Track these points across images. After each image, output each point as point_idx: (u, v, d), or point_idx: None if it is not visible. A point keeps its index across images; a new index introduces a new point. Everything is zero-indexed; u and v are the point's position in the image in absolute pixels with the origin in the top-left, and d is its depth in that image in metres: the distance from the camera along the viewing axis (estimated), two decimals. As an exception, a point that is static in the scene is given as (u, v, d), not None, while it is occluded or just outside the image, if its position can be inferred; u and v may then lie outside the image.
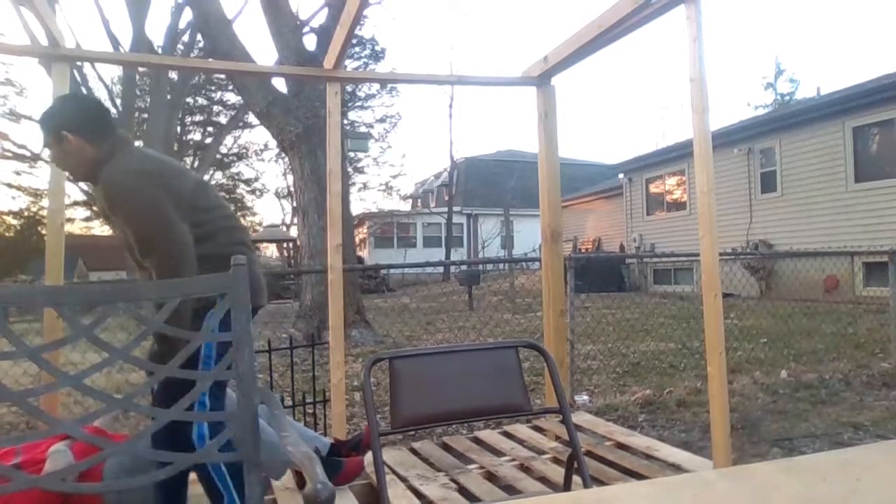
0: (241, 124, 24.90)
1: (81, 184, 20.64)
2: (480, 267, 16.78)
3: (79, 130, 1.99)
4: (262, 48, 71.94)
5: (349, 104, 25.95)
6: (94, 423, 2.08)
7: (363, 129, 27.33)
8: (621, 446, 3.09)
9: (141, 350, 1.74)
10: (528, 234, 20.28)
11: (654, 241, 15.90)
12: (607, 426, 3.46)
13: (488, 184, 28.06)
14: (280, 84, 8.34)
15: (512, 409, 1.78)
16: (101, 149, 2.00)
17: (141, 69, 17.06)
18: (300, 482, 2.65)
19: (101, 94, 18.57)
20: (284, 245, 27.36)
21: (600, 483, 2.52)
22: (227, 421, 1.73)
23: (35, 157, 20.49)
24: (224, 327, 1.51)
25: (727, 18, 60.17)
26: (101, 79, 19.26)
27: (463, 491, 2.60)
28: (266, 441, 1.72)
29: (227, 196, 32.46)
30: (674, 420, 4.03)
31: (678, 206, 15.40)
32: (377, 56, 26.64)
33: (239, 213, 34.43)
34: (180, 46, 18.30)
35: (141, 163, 2.03)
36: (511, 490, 2.62)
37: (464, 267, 16.98)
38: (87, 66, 16.33)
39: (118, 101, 18.87)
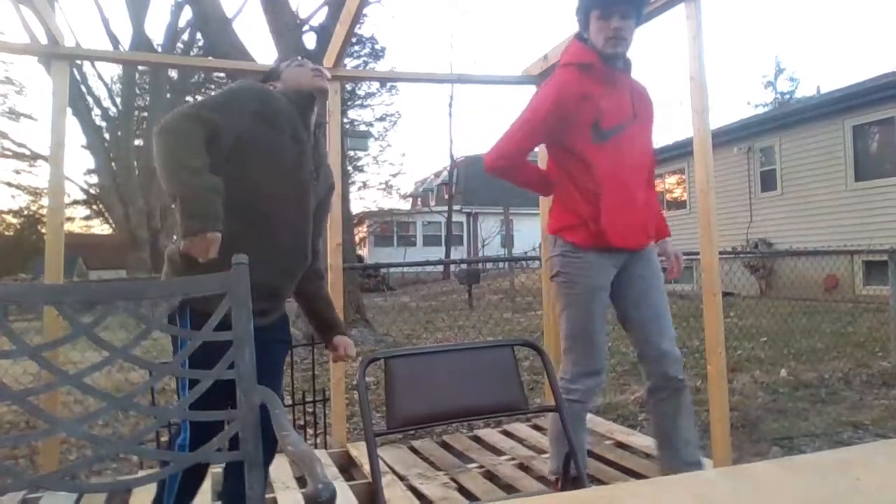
0: (240, 123, 24.80)
1: (80, 182, 20.76)
2: (480, 266, 16.76)
3: None
4: (262, 47, 71.84)
5: (349, 102, 25.87)
6: None
7: (363, 127, 27.26)
8: (621, 446, 3.10)
9: (141, 349, 1.72)
10: (528, 233, 20.26)
11: (654, 240, 15.88)
12: (607, 425, 3.46)
13: (488, 182, 27.83)
14: (280, 83, 8.32)
15: (508, 408, 1.78)
16: None
17: (141, 68, 17.04)
18: (301, 482, 2.66)
19: (101, 94, 18.58)
20: (284, 244, 27.30)
21: (600, 483, 2.52)
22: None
23: (35, 156, 20.48)
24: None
25: (727, 17, 60.06)
26: (100, 77, 19.26)
27: (463, 490, 2.61)
28: None
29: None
30: (674, 419, 4.03)
31: (678, 204, 15.38)
32: (377, 54, 26.56)
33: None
34: (180, 45, 18.29)
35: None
36: (511, 489, 2.62)
37: (464, 265, 16.96)
38: (86, 65, 16.33)
39: (118, 101, 18.86)
